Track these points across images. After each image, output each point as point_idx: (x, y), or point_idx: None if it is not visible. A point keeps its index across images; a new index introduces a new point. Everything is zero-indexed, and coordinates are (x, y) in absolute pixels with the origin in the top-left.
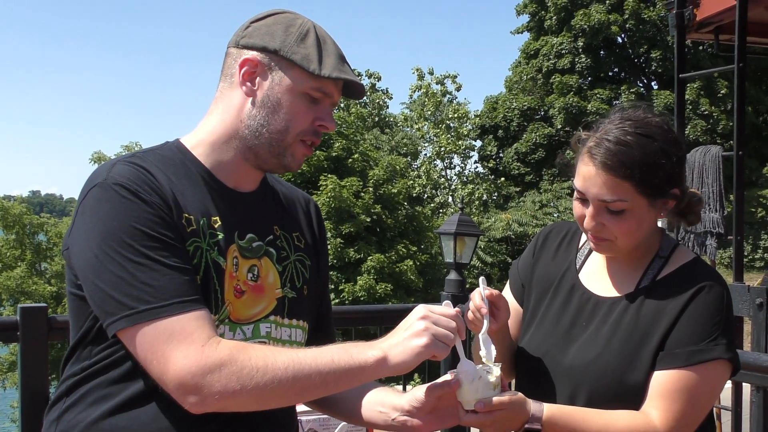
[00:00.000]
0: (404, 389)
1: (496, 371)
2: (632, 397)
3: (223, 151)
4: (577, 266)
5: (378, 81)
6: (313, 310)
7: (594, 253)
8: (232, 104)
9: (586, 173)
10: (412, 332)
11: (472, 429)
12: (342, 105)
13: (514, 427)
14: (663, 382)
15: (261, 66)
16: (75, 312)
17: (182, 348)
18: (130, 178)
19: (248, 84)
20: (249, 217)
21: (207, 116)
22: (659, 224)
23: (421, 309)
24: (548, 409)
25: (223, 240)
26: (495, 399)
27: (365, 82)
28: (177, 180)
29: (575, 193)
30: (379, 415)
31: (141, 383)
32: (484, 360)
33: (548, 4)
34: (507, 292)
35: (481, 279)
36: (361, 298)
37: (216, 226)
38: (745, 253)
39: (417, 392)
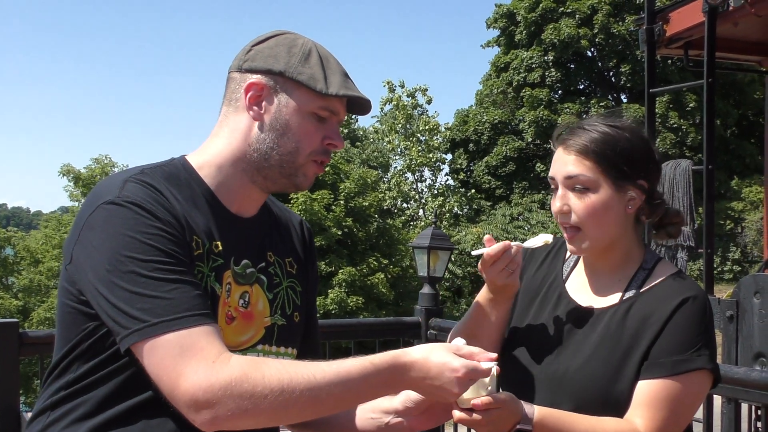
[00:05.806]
0: None
1: (492, 371)
2: (616, 405)
3: (230, 174)
4: (564, 277)
5: None
6: (302, 334)
7: (580, 264)
8: (238, 128)
9: (556, 157)
10: (445, 390)
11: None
12: None
13: (506, 427)
14: (647, 391)
15: (267, 89)
16: (67, 324)
17: (193, 363)
18: (143, 197)
19: (255, 108)
20: (246, 243)
21: (212, 138)
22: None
23: (463, 380)
24: (539, 411)
25: (222, 265)
26: (492, 397)
27: None
28: (184, 201)
29: (552, 188)
30: (372, 422)
31: (128, 401)
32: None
33: (518, 19)
34: None
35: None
36: (333, 312)
37: (217, 250)
38: (714, 265)
39: (411, 393)
